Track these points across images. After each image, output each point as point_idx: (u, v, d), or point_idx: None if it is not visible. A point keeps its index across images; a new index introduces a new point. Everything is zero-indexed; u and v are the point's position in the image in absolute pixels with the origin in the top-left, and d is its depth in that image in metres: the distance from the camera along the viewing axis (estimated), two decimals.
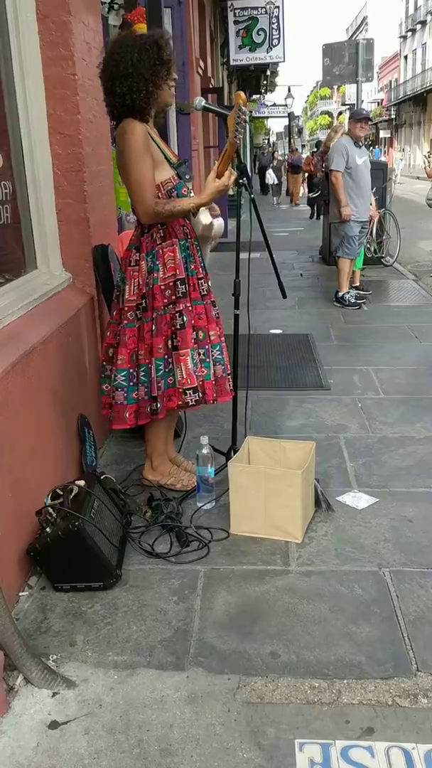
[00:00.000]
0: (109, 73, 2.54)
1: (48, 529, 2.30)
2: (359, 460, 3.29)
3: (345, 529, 2.70)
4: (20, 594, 2.34)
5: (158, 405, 2.75)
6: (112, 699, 1.90)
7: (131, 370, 2.76)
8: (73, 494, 2.43)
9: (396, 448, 3.39)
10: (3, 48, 2.86)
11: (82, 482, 2.52)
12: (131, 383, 2.77)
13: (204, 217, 2.72)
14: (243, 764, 1.69)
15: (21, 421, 2.35)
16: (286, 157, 22.77)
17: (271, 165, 21.84)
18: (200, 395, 2.78)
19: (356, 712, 1.84)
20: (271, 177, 20.89)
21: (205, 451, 2.81)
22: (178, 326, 2.70)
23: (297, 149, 24.35)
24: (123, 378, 2.76)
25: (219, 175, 2.61)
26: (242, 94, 2.56)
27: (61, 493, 2.42)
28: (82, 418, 3.08)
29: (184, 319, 2.70)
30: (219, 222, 2.78)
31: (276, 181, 21.00)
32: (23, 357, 2.39)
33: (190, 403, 2.77)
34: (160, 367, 2.72)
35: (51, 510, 2.35)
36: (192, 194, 2.71)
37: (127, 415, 2.80)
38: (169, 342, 2.72)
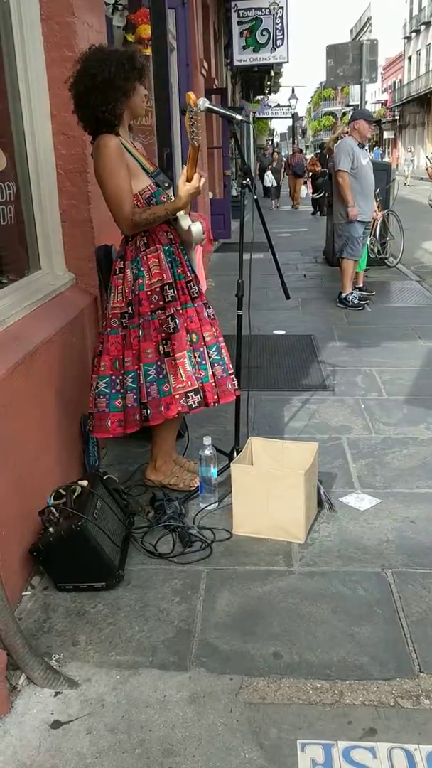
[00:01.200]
0: (83, 86, 2.55)
1: (51, 529, 2.31)
2: (362, 461, 3.29)
3: (348, 529, 2.70)
4: (23, 593, 2.35)
5: (149, 412, 2.72)
6: (114, 699, 1.91)
7: (113, 377, 2.75)
8: (75, 494, 2.43)
9: (399, 449, 3.39)
10: (7, 49, 2.86)
11: (84, 482, 2.52)
12: (113, 390, 2.76)
13: (184, 222, 2.74)
14: (245, 764, 1.69)
15: (24, 421, 2.36)
16: (286, 159, 21.64)
17: (271, 166, 20.88)
18: (201, 397, 2.78)
19: (358, 712, 1.84)
20: (269, 179, 19.97)
21: (207, 451, 2.81)
22: (171, 330, 2.70)
23: (300, 151, 22.88)
24: (105, 385, 2.76)
25: (188, 179, 2.61)
26: (191, 94, 2.56)
27: (64, 492, 2.43)
28: (85, 418, 3.08)
29: (177, 322, 2.70)
30: (197, 227, 2.79)
31: (275, 184, 20.10)
32: (27, 357, 2.40)
33: (194, 406, 2.75)
34: (150, 373, 2.71)
35: (54, 510, 2.36)
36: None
37: (109, 423, 2.77)
38: (161, 347, 2.71)
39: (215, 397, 2.82)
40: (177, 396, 2.72)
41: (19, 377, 2.32)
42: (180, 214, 2.71)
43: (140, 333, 2.70)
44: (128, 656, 2.06)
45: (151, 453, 3.07)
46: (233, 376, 2.91)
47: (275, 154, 23.44)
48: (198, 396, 2.75)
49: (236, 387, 2.92)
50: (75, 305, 3.13)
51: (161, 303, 2.70)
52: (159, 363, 2.71)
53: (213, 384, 2.81)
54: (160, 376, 2.72)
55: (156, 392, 2.72)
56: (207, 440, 2.83)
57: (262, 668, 2.00)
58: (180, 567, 2.49)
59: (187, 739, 1.77)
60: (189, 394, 2.73)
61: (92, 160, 2.66)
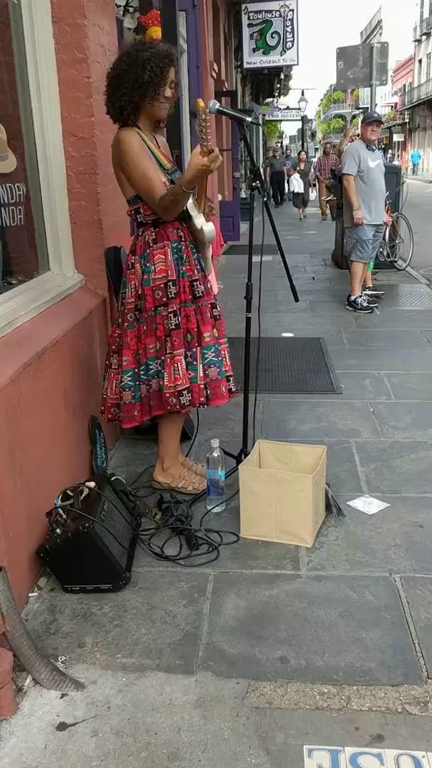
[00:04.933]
0: (108, 81, 2.64)
1: (58, 531, 2.31)
2: (370, 464, 3.27)
3: (356, 534, 2.69)
4: (30, 595, 2.34)
5: (151, 403, 2.80)
6: (120, 701, 1.90)
7: (135, 370, 2.78)
8: (83, 496, 2.43)
9: (408, 453, 3.37)
10: (18, 50, 2.87)
11: (92, 484, 2.52)
12: (137, 383, 2.79)
13: (197, 221, 2.74)
14: None
15: (32, 422, 2.36)
16: (320, 160, 17.08)
17: (299, 168, 17.79)
18: (190, 398, 2.75)
19: (366, 718, 1.82)
20: (298, 183, 16.87)
21: (215, 454, 2.80)
22: (172, 327, 2.70)
23: (326, 153, 17.09)
24: (129, 378, 2.78)
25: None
26: (200, 101, 2.51)
27: (72, 494, 2.43)
28: (93, 420, 3.09)
29: (178, 319, 2.70)
30: (210, 226, 2.79)
31: (302, 190, 16.81)
32: (35, 358, 2.40)
33: (186, 404, 2.73)
34: (151, 368, 2.75)
35: (61, 511, 2.36)
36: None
37: (136, 413, 2.82)
38: (164, 343, 2.71)
39: (202, 398, 2.79)
40: (167, 394, 2.72)
41: (28, 378, 2.32)
42: (194, 213, 2.71)
43: (144, 328, 2.73)
44: (134, 659, 2.06)
45: (157, 454, 3.06)
46: (228, 380, 2.85)
47: (302, 154, 19.72)
48: (189, 395, 2.75)
49: (231, 390, 2.86)
50: (84, 306, 3.13)
51: (164, 299, 2.70)
52: (159, 359, 2.73)
53: (202, 386, 2.78)
54: (160, 372, 2.73)
55: (157, 386, 2.75)
56: (215, 442, 2.83)
57: (269, 672, 1.99)
58: (187, 570, 2.49)
59: (193, 743, 1.76)
60: (183, 392, 2.73)
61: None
